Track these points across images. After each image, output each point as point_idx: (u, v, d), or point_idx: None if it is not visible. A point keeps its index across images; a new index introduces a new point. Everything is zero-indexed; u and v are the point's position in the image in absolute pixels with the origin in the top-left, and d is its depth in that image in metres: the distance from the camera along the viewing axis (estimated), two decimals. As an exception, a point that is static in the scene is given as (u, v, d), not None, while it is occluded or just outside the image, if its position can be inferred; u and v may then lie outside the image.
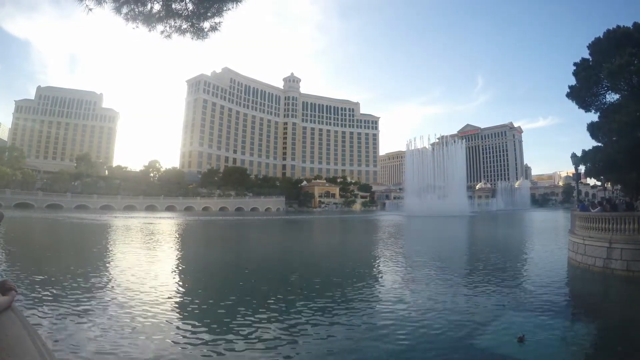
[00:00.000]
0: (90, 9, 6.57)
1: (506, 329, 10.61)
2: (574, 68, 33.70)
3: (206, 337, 9.69)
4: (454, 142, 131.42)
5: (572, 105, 34.72)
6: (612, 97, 32.63)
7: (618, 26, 31.43)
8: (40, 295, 12.90)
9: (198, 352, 8.76)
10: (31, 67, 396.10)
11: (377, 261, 24.50)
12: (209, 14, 8.37)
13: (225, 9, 8.27)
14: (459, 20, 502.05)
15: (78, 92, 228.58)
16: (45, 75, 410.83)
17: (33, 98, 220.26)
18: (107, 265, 20.54)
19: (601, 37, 31.86)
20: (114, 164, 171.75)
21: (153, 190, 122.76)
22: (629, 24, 31.35)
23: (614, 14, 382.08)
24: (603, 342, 10.29)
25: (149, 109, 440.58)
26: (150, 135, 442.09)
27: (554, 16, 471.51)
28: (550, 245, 31.76)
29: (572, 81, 33.79)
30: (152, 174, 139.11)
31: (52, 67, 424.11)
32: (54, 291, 13.57)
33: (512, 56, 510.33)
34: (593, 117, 34.34)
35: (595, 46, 32.30)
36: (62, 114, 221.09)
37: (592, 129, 33.08)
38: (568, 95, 33.92)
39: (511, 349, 9.19)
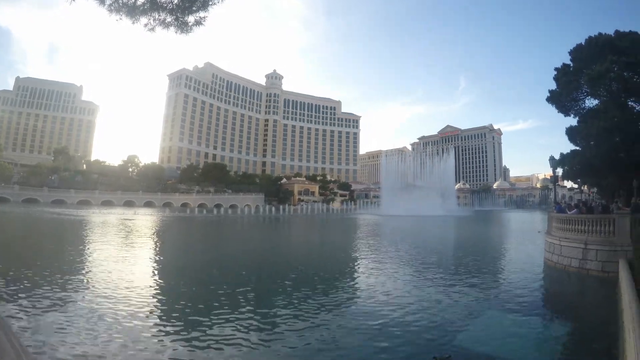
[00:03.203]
0: (73, -1, 6.41)
1: (484, 328, 10.80)
2: (555, 73, 34.38)
3: (182, 336, 9.58)
4: (433, 143, 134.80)
5: (551, 109, 35.39)
6: (591, 102, 33.47)
7: (600, 33, 32.19)
8: (16, 294, 12.57)
9: (174, 351, 8.67)
10: (11, 56, 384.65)
11: (355, 261, 24.50)
12: (194, 8, 8.27)
13: (210, 3, 8.20)
14: (445, 22, 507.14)
15: (57, 84, 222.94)
16: (24, 66, 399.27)
17: (11, 89, 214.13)
18: (84, 263, 20.09)
19: (583, 43, 32.57)
20: (93, 158, 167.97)
21: (131, 185, 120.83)
22: (611, 32, 32.16)
23: (596, 21, 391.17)
24: (579, 341, 10.52)
25: (129, 102, 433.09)
26: (130, 130, 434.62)
27: (538, 21, 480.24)
28: (527, 245, 32.29)
29: (553, 85, 34.52)
30: (130, 169, 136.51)
31: (32, 57, 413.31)
32: (30, 289, 13.24)
33: (496, 59, 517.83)
34: (572, 121, 35.17)
35: (576, 52, 32.99)
36: (40, 105, 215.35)
37: (571, 133, 33.81)
38: (548, 100, 34.61)
39: (490, 348, 9.33)
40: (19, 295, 12.41)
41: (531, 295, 14.92)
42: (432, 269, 20.27)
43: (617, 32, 31.77)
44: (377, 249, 30.02)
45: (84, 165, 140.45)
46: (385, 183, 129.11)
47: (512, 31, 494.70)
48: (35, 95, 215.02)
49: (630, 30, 31.78)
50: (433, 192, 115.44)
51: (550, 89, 34.47)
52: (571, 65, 33.44)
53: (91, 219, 53.42)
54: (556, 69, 34.41)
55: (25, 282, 14.18)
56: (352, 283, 17.17)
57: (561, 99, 33.90)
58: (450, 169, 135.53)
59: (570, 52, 33.63)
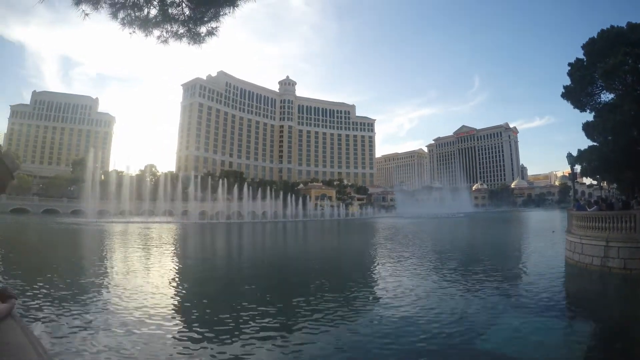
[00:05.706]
0: (87, 14, 6.55)
1: (507, 329, 10.66)
2: (569, 68, 33.91)
3: (207, 347, 9.67)
4: (449, 144, 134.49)
5: (567, 105, 34.82)
6: (606, 96, 32.88)
7: (612, 26, 31.65)
8: (40, 303, 12.79)
9: None
10: (25, 71, 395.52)
11: (378, 263, 24.53)
12: (205, 19, 8.36)
13: (222, 13, 8.27)
14: (456, 21, 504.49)
15: (73, 97, 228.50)
16: (40, 80, 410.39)
17: (28, 103, 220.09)
18: (106, 273, 20.29)
19: (595, 37, 32.07)
20: (111, 168, 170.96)
21: (149, 194, 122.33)
22: (623, 24, 31.62)
23: (608, 15, 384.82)
24: (602, 339, 10.36)
25: (145, 113, 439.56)
26: (147, 140, 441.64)
27: (550, 17, 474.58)
28: (547, 244, 31.83)
29: (567, 81, 34.00)
30: (148, 178, 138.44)
31: (47, 71, 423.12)
32: (54, 299, 13.47)
33: (509, 57, 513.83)
34: (588, 116, 34.58)
35: (589, 46, 32.50)
36: (57, 118, 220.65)
37: (587, 128, 33.26)
38: (563, 96, 34.13)
39: (513, 350, 9.22)
40: (44, 304, 12.60)
41: (553, 295, 14.68)
42: (454, 272, 20.07)
43: (629, 24, 31.22)
44: (399, 253, 29.80)
45: (102, 176, 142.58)
46: (402, 187, 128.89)
47: (524, 28, 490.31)
48: (52, 109, 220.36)
49: (642, 22, 31.27)
50: (450, 194, 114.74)
51: (565, 85, 34.00)
52: (584, 59, 32.92)
53: (111, 229, 54.12)
54: (570, 64, 33.91)
55: (50, 291, 14.38)
56: (377, 288, 17.08)
57: (576, 95, 33.39)
58: (466, 171, 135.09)
59: (583, 47, 33.10)
